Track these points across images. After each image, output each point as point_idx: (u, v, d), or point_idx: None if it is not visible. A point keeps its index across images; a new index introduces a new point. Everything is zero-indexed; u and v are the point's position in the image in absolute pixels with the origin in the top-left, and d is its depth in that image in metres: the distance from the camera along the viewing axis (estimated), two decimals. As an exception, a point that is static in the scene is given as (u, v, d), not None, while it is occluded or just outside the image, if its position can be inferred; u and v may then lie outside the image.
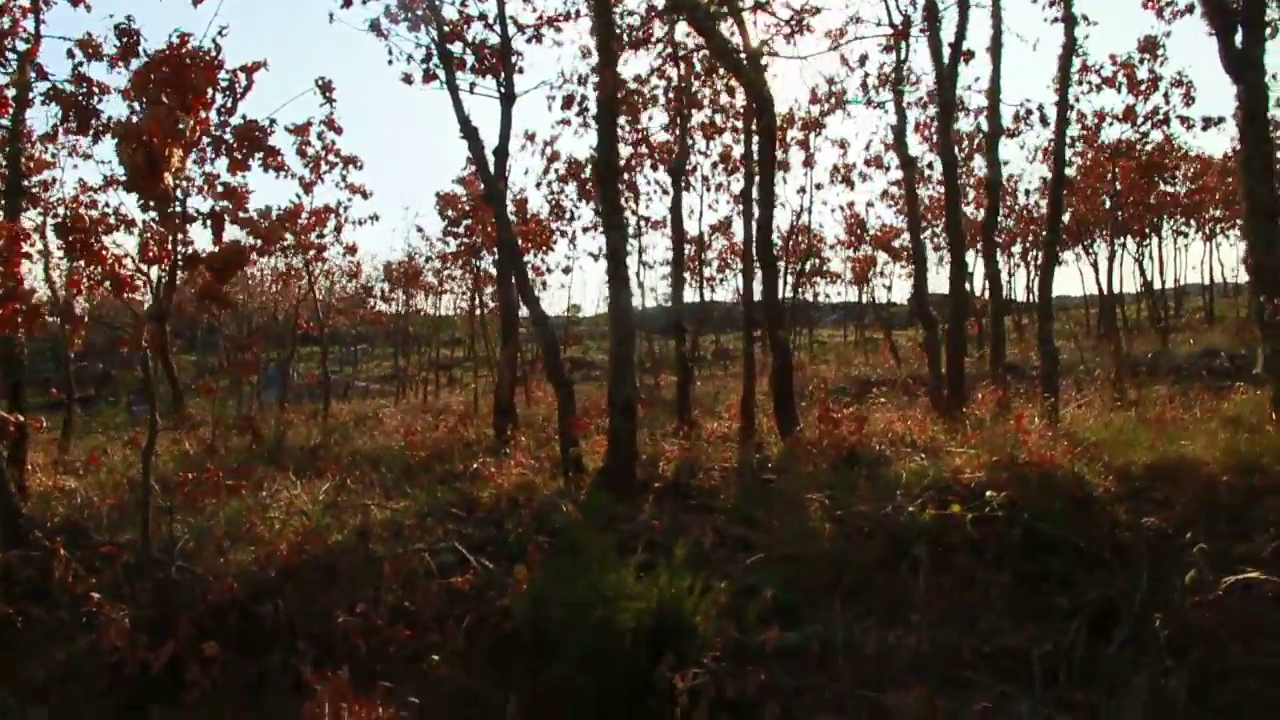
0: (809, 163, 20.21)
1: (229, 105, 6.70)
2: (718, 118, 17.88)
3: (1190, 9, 12.90)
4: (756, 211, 10.13)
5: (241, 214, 6.88)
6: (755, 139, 11.89)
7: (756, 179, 10.12)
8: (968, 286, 17.54)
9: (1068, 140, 19.40)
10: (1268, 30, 12.26)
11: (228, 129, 6.82)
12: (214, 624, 6.27)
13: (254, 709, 5.86)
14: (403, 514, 8.13)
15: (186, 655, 5.78)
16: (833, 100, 17.97)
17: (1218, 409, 9.82)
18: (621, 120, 16.39)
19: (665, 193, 19.55)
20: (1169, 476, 7.62)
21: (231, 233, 9.90)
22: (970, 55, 10.41)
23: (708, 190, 22.39)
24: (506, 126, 11.86)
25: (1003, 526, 7.03)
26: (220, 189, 7.12)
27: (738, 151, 21.48)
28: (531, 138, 16.99)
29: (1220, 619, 5.86)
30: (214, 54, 5.88)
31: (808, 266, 31.90)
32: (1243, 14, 8.29)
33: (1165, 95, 16.35)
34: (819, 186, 21.46)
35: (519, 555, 7.06)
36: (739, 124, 18.55)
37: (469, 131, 9.97)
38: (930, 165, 20.88)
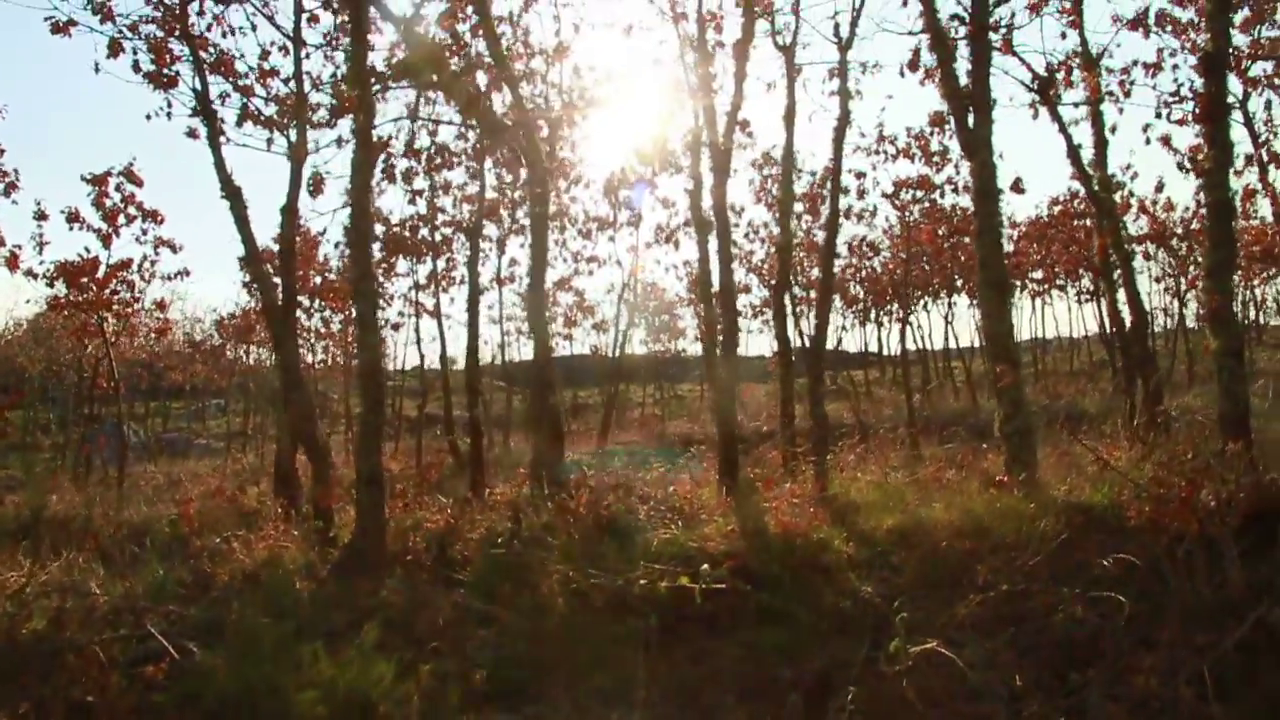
0: (634, 222, 20.48)
1: None
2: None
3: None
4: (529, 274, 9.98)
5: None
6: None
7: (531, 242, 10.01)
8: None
9: (870, 207, 20.41)
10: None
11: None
12: None
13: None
14: (126, 596, 7.58)
15: None
16: (657, 163, 18.24)
17: (979, 469, 10.11)
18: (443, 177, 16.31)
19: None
20: (907, 540, 7.74)
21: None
22: (746, 124, 10.70)
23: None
24: (296, 185, 11.45)
25: (736, 598, 6.99)
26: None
27: (576, 209, 21.81)
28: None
29: (919, 687, 5.91)
30: None
31: (657, 322, 32.38)
32: (973, 99, 8.72)
33: (956, 166, 17.32)
34: (648, 245, 21.69)
35: (239, 638, 6.65)
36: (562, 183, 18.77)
37: (231, 191, 9.60)
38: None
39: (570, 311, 27.11)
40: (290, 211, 11.20)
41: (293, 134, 11.72)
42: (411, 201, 15.08)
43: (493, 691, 6.51)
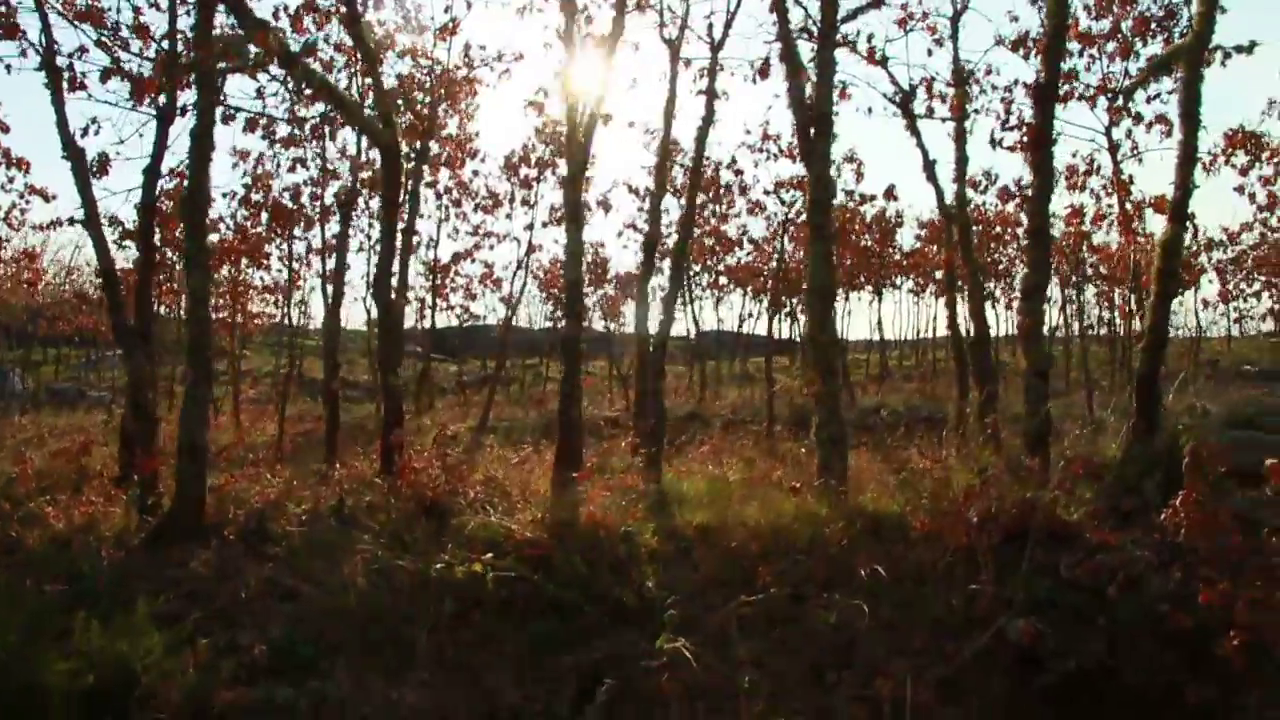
0: (529, 201, 20.52)
1: None
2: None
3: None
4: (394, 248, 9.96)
5: None
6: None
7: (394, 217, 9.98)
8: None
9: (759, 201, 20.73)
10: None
11: None
12: None
13: None
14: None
15: None
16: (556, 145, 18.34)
17: (811, 470, 10.45)
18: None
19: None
20: (710, 537, 8.00)
21: None
22: (609, 118, 10.83)
23: (445, 220, 22.48)
24: (160, 146, 11.24)
25: (528, 586, 7.18)
26: None
27: (480, 182, 21.77)
28: (244, 155, 16.34)
29: (686, 682, 6.19)
30: None
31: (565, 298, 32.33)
32: (815, 111, 8.98)
33: (838, 168, 17.70)
34: (545, 225, 21.73)
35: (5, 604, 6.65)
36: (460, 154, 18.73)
37: (74, 153, 9.38)
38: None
39: (470, 284, 27.09)
40: (153, 173, 11.05)
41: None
42: (292, 169, 14.93)
43: (279, 665, 6.64)
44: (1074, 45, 14.62)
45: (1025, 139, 9.74)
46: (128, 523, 8.53)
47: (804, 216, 19.99)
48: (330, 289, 13.53)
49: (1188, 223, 9.92)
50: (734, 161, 21.85)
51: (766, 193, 18.92)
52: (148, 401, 9.14)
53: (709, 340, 43.41)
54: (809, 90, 9.40)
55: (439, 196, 20.15)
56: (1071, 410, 18.82)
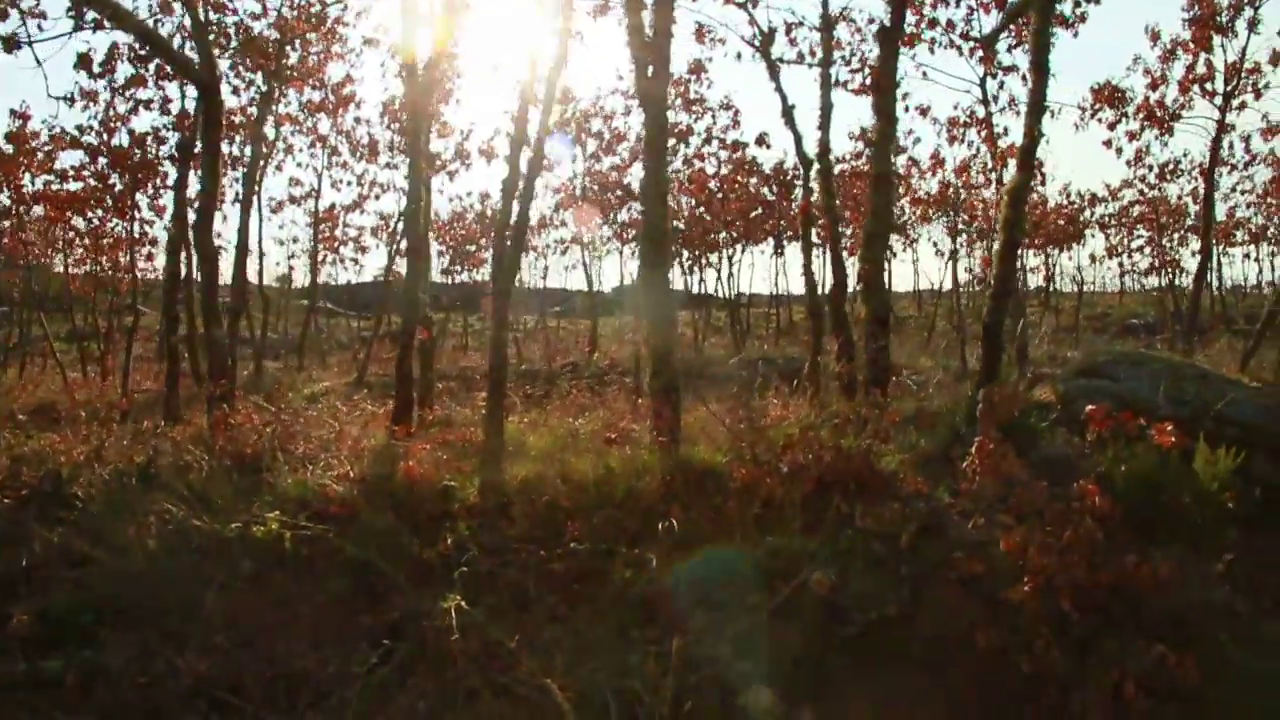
0: (404, 149, 19.75)
1: None
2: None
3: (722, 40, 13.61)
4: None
5: None
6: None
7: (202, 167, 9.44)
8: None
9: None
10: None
11: None
12: None
13: None
14: None
15: None
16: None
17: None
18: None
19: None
20: (528, 492, 7.75)
21: None
22: (453, 56, 10.37)
23: (329, 169, 21.69)
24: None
25: (330, 545, 6.89)
26: None
27: (363, 130, 20.94)
28: (93, 97, 15.23)
29: (480, 642, 5.99)
30: None
31: (463, 251, 31.78)
32: (654, 51, 8.66)
33: (714, 115, 17.50)
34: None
35: None
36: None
37: None
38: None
39: (362, 235, 26.31)
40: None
41: None
42: (135, 112, 14.03)
43: (55, 636, 6.30)
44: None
45: (869, 81, 9.57)
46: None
47: (696, 166, 19.88)
48: (180, 240, 12.76)
49: (1035, 171, 9.91)
50: (628, 111, 21.55)
51: (639, 139, 18.53)
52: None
53: (621, 295, 43.11)
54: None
55: (315, 145, 19.34)
56: (947, 363, 19.09)
